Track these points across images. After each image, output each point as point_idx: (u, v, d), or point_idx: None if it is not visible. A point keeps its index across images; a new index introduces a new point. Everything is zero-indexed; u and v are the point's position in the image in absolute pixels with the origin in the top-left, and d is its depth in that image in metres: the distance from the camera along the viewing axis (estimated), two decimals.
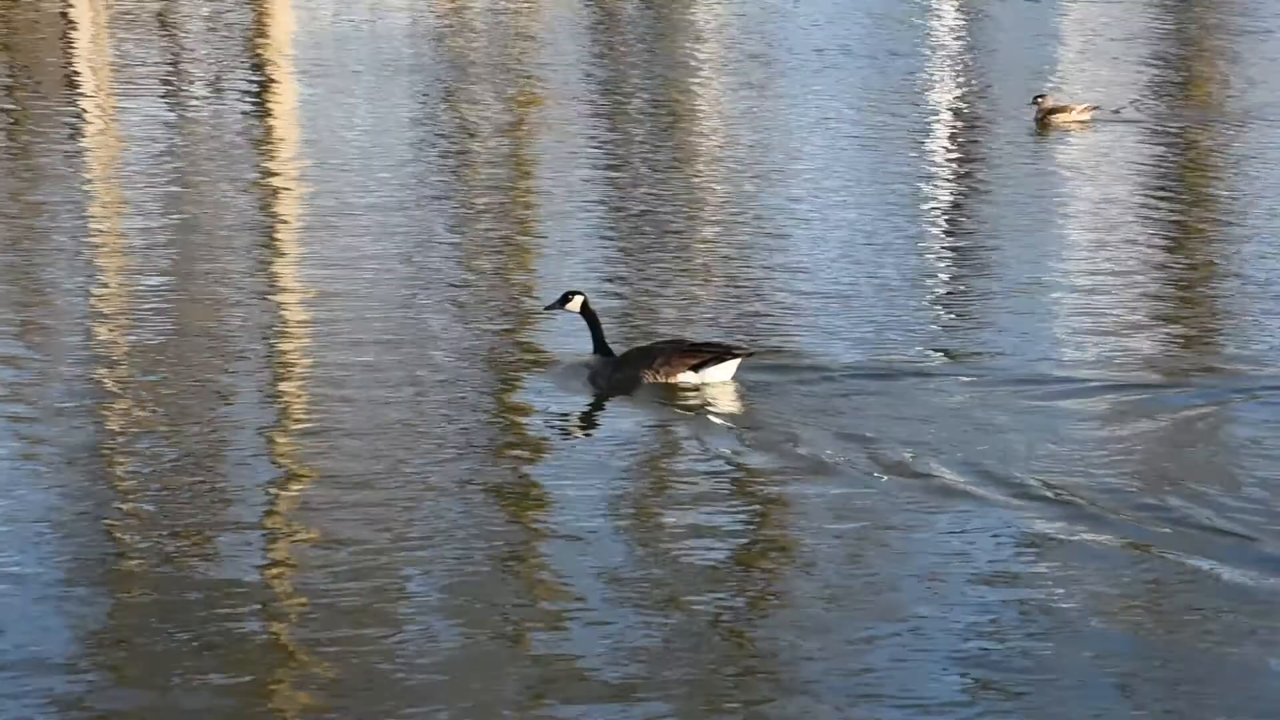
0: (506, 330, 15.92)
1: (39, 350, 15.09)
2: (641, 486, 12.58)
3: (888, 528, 11.81)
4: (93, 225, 19.42)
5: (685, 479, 12.65)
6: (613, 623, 10.36)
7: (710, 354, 14.33)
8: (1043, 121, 24.86)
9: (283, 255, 18.56)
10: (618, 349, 14.76)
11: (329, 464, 12.65)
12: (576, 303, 14.62)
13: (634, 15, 38.85)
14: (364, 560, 11.04)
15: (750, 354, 14.59)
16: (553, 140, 24.99)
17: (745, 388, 14.40)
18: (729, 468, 12.90)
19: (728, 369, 14.37)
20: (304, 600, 10.58)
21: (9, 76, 28.49)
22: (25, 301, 16.50)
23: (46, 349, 15.13)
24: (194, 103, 26.71)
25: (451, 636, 10.20)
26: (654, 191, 21.71)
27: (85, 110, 26.03)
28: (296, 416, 13.65)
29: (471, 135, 25.27)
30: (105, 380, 14.32)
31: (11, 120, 25.00)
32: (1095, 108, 25.38)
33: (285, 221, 19.94)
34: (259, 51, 31.55)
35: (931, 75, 30.16)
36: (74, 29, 32.97)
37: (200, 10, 35.29)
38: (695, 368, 14.27)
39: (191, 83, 28.22)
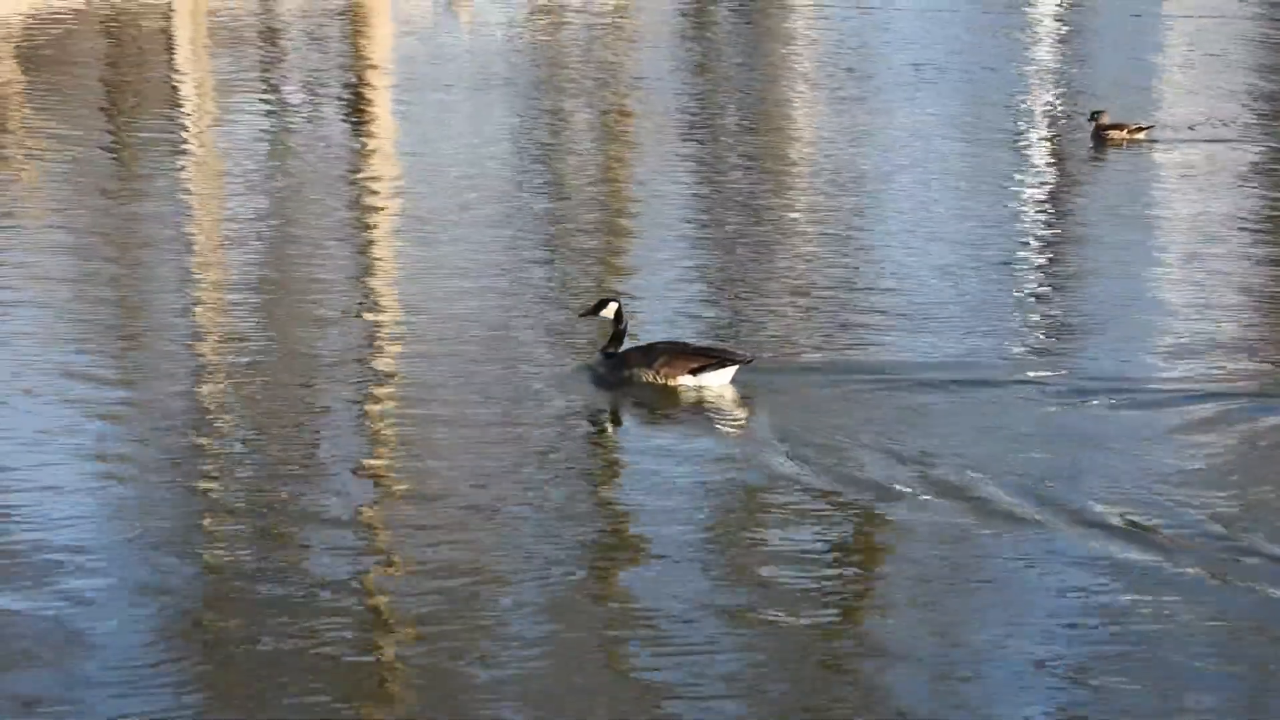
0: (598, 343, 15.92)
1: (138, 361, 15.26)
2: (720, 507, 12.45)
3: (975, 554, 11.66)
4: (191, 239, 19.63)
5: (771, 498, 12.57)
6: (703, 647, 10.27)
7: (710, 359, 14.56)
8: (1098, 138, 24.80)
9: (377, 267, 18.68)
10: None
11: (421, 478, 12.71)
12: (611, 309, 14.94)
13: (729, 30, 38.88)
14: (452, 576, 11.06)
15: (749, 361, 14.75)
16: (646, 154, 25.03)
17: (842, 399, 14.35)
18: (810, 487, 12.78)
19: (725, 375, 14.57)
20: (391, 615, 10.62)
21: (111, 92, 28.87)
22: (125, 313, 16.69)
23: (145, 360, 15.29)
24: (292, 117, 26.96)
25: (542, 655, 10.19)
26: (747, 204, 21.69)
27: (185, 125, 26.32)
28: (389, 430, 13.72)
29: (566, 149, 25.35)
30: (202, 392, 14.46)
31: (113, 135, 25.32)
32: (1149, 126, 25.24)
33: (380, 234, 20.08)
34: (357, 66, 31.80)
35: (1025, 90, 29.93)
36: (174, 45, 33.37)
37: (299, 26, 35.62)
38: (694, 371, 14.51)
39: (290, 97, 28.49)
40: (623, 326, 14.95)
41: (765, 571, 11.38)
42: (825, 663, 10.27)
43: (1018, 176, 23.58)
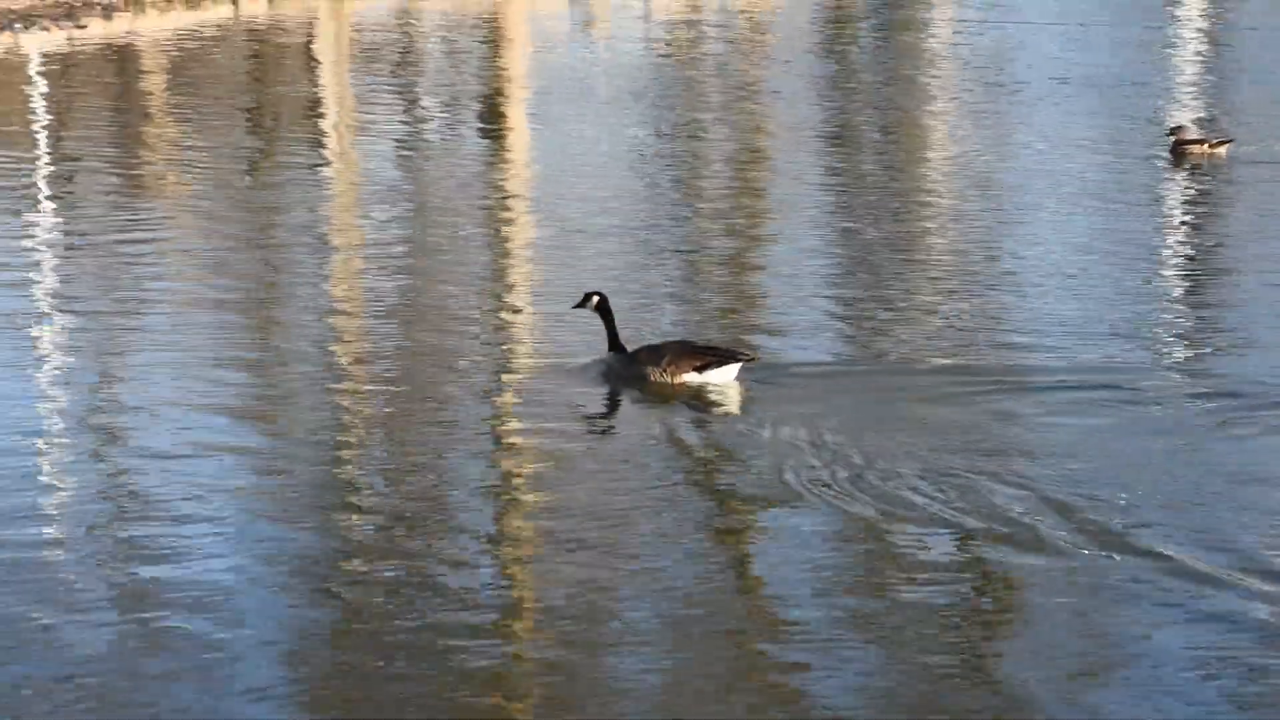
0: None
1: (278, 369, 15.44)
2: (854, 521, 12.30)
3: (1112, 589, 11.43)
4: (330, 252, 19.85)
5: (916, 510, 12.47)
6: (839, 659, 10.20)
7: (714, 357, 14.85)
8: (1177, 152, 24.52)
9: (510, 278, 18.80)
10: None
11: (553, 489, 12.74)
12: (593, 302, 15.30)
13: (867, 44, 38.76)
14: (580, 582, 11.08)
15: (752, 359, 14.97)
16: (781, 167, 25.03)
17: (996, 417, 14.26)
18: (947, 495, 12.68)
19: (730, 372, 14.84)
20: (521, 624, 10.66)
21: (254, 106, 29.33)
22: (265, 322, 16.91)
23: (285, 366, 15.47)
24: (429, 132, 27.23)
25: (670, 668, 10.18)
26: (882, 215, 21.62)
27: (325, 139, 26.69)
28: (519, 438, 13.77)
29: (701, 162, 25.40)
30: (340, 401, 14.60)
31: (255, 149, 25.72)
32: (1229, 141, 24.86)
33: (514, 245, 20.21)
34: (493, 81, 32.07)
35: (1163, 104, 29.56)
36: (316, 60, 33.85)
37: (437, 42, 36.00)
38: (699, 369, 14.79)
39: (427, 112, 28.78)
40: (609, 317, 15.21)
41: (904, 588, 11.28)
42: (974, 677, 10.17)
43: (1154, 190, 23.30)
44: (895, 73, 34.56)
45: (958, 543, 11.75)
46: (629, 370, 15.01)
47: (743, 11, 42.33)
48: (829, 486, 12.55)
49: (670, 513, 12.19)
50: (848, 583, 11.23)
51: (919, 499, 12.35)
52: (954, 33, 39.29)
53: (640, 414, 14.38)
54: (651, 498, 12.47)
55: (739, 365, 14.89)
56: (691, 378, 14.80)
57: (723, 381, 14.84)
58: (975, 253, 19.88)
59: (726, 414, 14.22)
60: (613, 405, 14.58)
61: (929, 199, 23.04)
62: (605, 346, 15.23)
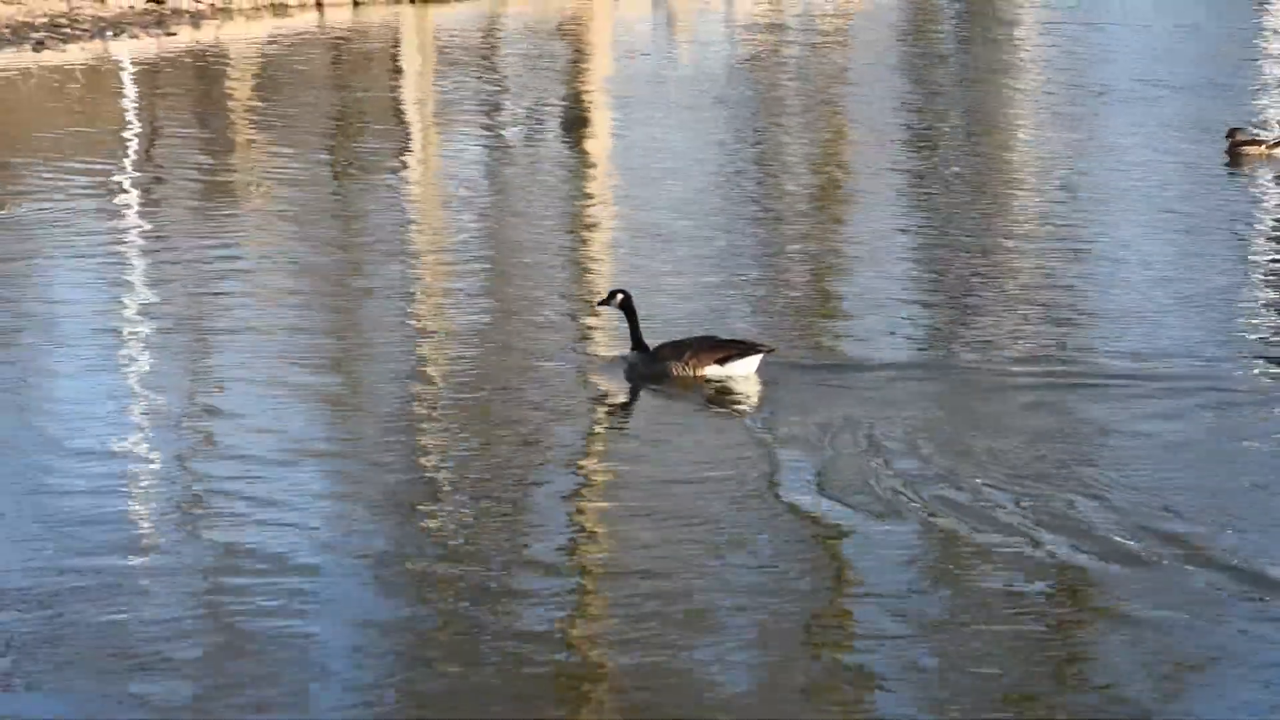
0: (812, 356, 15.90)
1: (359, 370, 15.57)
2: (937, 526, 12.22)
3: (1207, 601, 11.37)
4: (413, 257, 19.98)
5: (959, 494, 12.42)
6: (927, 683, 10.13)
7: (735, 349, 14.99)
8: (1233, 154, 24.29)
9: (592, 279, 18.88)
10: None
11: (636, 487, 12.77)
12: (618, 299, 15.48)
13: (951, 43, 38.61)
14: (666, 590, 11.11)
15: (772, 350, 15.16)
16: (864, 167, 24.99)
17: (1085, 421, 14.19)
18: (1041, 506, 12.63)
19: (751, 364, 15.02)
20: (605, 635, 10.70)
21: (340, 112, 29.57)
22: (348, 324, 17.04)
23: (369, 368, 15.59)
24: (511, 136, 27.36)
25: (756, 673, 10.18)
26: (967, 216, 21.56)
27: (408, 143, 26.88)
28: (601, 442, 13.81)
29: (782, 164, 25.40)
30: (421, 404, 14.69)
31: (341, 154, 25.92)
32: None
33: (594, 247, 20.29)
34: (576, 86, 32.18)
35: (1252, 105, 29.27)
36: (400, 65, 34.09)
37: (520, 49, 36.16)
38: (721, 361, 14.97)
39: (509, 116, 28.92)
40: (633, 314, 15.38)
41: (960, 569, 11.24)
42: (1036, 676, 10.12)
43: (1227, 192, 23.09)
44: (978, 74, 34.40)
45: (1041, 547, 11.61)
46: (651, 367, 15.20)
47: (825, 14, 42.26)
48: (912, 489, 12.50)
49: (754, 515, 12.19)
50: (929, 587, 11.16)
51: (1002, 499, 12.29)
52: (1039, 33, 39.05)
53: (714, 415, 14.37)
54: (735, 499, 12.48)
55: (760, 357, 15.08)
56: (714, 370, 14.99)
57: (744, 374, 15.02)
58: (1058, 253, 19.78)
59: (806, 414, 14.19)
60: (683, 407, 14.55)
61: (1011, 200, 22.93)
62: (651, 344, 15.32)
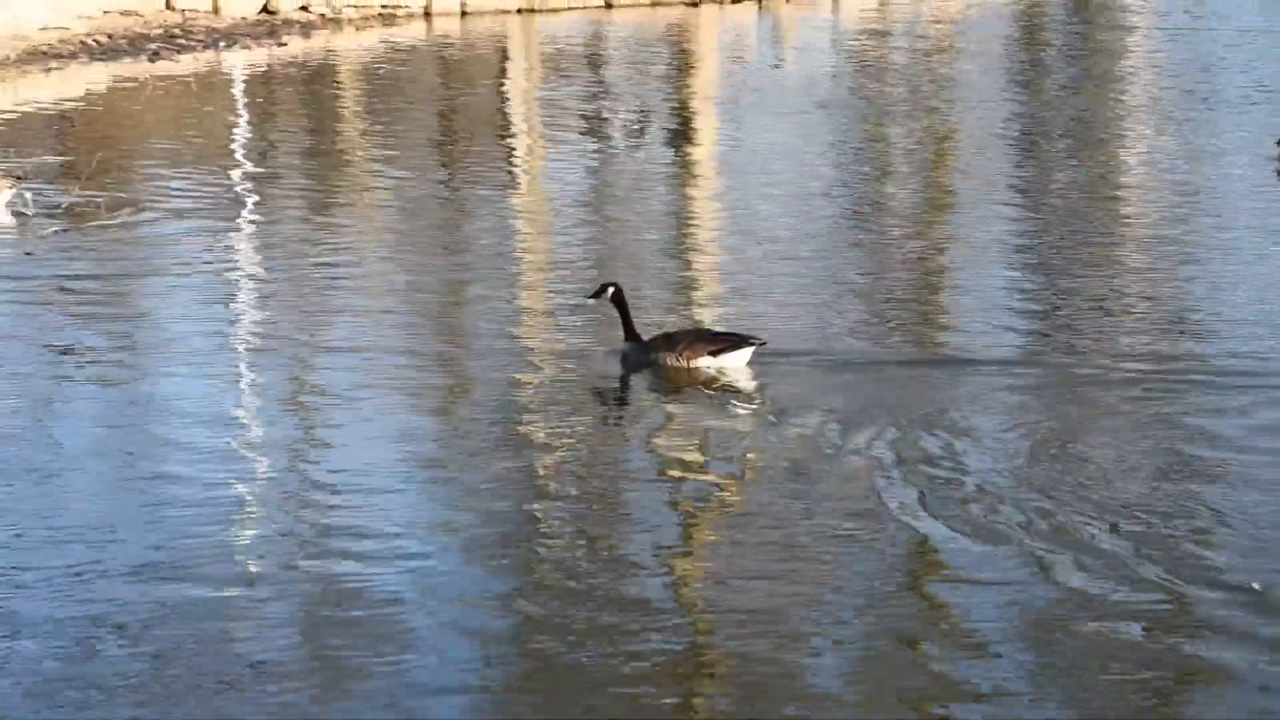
0: (918, 362, 15.85)
1: (462, 371, 15.66)
2: (1043, 542, 12.17)
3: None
4: (519, 263, 20.11)
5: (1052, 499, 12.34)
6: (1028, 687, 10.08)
7: (728, 342, 15.19)
8: None
9: (697, 284, 18.93)
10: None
11: (734, 495, 12.79)
12: (609, 293, 15.59)
13: (1061, 48, 38.32)
14: (765, 595, 11.11)
15: (764, 343, 15.25)
16: (969, 172, 24.89)
17: (1192, 430, 14.07)
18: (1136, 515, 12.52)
19: (743, 356, 15.20)
20: (703, 623, 10.73)
21: (447, 120, 29.82)
22: (455, 331, 17.15)
23: (470, 369, 15.69)
24: (617, 141, 27.46)
25: (852, 666, 10.19)
26: (1071, 219, 21.44)
27: (516, 149, 27.08)
28: (700, 446, 13.81)
29: (888, 171, 25.34)
30: (521, 407, 14.78)
31: (448, 161, 26.14)
32: None
33: (700, 254, 20.33)
34: (682, 93, 32.24)
35: None
36: (507, 75, 34.31)
37: (626, 56, 36.28)
38: (714, 353, 15.17)
39: (616, 123, 29.02)
40: (624, 306, 15.54)
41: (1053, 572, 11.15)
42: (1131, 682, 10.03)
43: None
44: (1087, 79, 34.12)
45: (1148, 567, 11.33)
46: (644, 357, 15.38)
47: (932, 20, 42.09)
48: (1019, 506, 12.27)
49: (856, 520, 12.14)
50: (1028, 602, 11.03)
51: (1117, 520, 12.14)
52: (1150, 38, 38.68)
53: (811, 418, 14.33)
54: (838, 501, 12.46)
55: (752, 349, 15.26)
56: (706, 362, 15.18)
57: (736, 366, 15.20)
58: (1165, 257, 19.63)
59: (909, 414, 14.15)
60: (766, 409, 14.50)
61: (1118, 204, 22.76)
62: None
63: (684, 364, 15.20)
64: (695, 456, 13.46)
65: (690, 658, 10.26)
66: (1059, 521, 11.89)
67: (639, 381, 15.24)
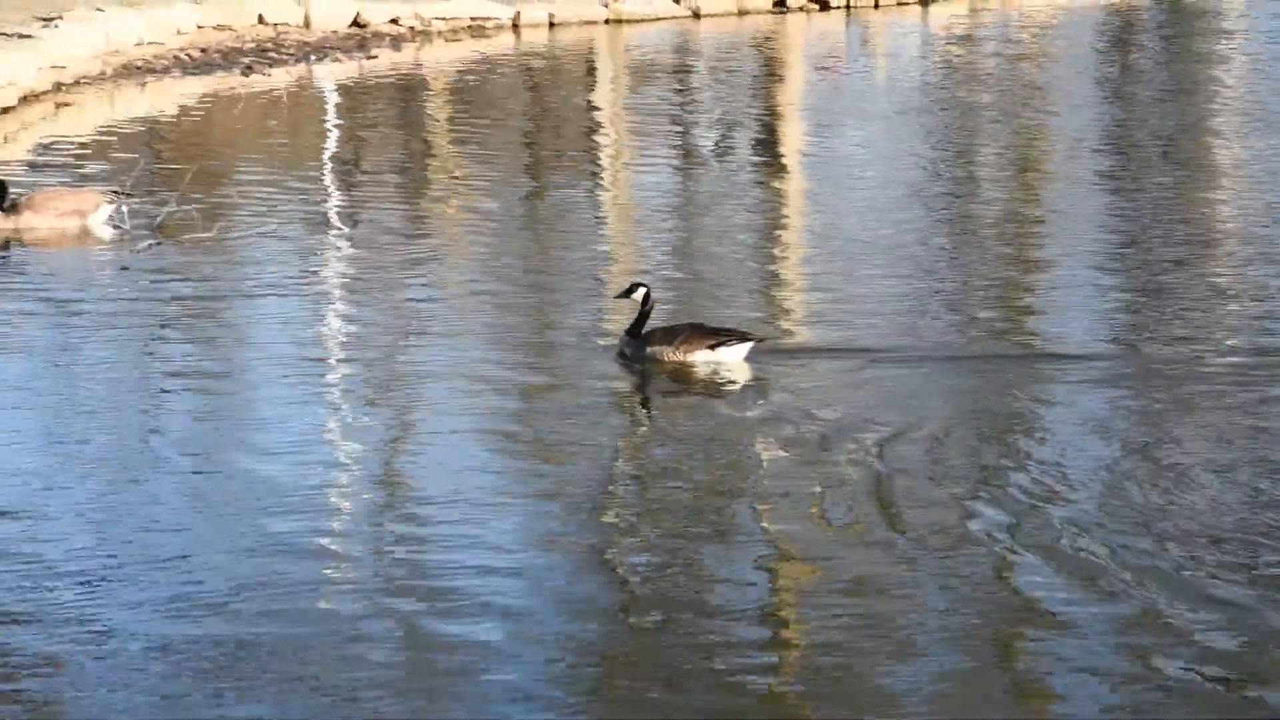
0: (1011, 372, 15.77)
1: (556, 385, 15.70)
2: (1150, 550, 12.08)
3: None
4: (604, 275, 20.17)
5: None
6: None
7: (727, 336, 15.51)
8: None
9: (784, 292, 18.91)
10: None
11: (834, 501, 12.76)
12: (640, 293, 15.89)
13: (1153, 54, 37.98)
14: (860, 606, 11.09)
15: (763, 339, 15.59)
16: (1059, 178, 24.78)
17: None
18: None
19: (741, 351, 15.46)
20: (793, 636, 10.71)
21: (534, 130, 29.95)
22: (543, 344, 17.16)
23: (562, 387, 15.74)
24: (705, 149, 27.48)
25: (950, 681, 10.13)
26: (1161, 224, 21.31)
27: (602, 160, 27.15)
28: (794, 455, 13.79)
29: (977, 176, 25.23)
30: (612, 410, 14.83)
31: (536, 171, 26.25)
32: None
33: (787, 260, 20.32)
34: (769, 100, 32.23)
35: None
36: (594, 85, 34.41)
37: (715, 65, 36.31)
38: (712, 347, 15.45)
39: (704, 130, 29.05)
40: (648, 308, 15.85)
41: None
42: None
43: None
44: (1180, 84, 33.82)
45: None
46: (641, 351, 15.59)
47: (1023, 25, 41.85)
48: (1115, 521, 12.12)
49: (953, 530, 12.10)
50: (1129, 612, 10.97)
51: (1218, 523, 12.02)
52: (1244, 41, 38.27)
53: (920, 423, 14.27)
54: (939, 511, 12.41)
55: (750, 345, 15.45)
56: (704, 356, 15.42)
57: (734, 361, 15.43)
58: (1254, 261, 19.46)
59: (1007, 413, 14.08)
60: (866, 414, 14.47)
61: (1212, 207, 22.59)
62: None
63: (682, 357, 15.50)
64: (790, 464, 13.43)
65: (790, 670, 10.26)
66: (1160, 560, 11.40)
67: (744, 390, 15.17)
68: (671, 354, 15.49)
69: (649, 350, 15.59)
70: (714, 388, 15.31)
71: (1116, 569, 11.13)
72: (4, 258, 20.23)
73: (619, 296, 16.28)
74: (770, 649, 10.43)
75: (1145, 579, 11.00)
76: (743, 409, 14.78)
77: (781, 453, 13.64)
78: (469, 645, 10.38)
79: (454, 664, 10.18)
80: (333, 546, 11.84)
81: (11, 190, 21.30)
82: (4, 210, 20.88)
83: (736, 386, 15.28)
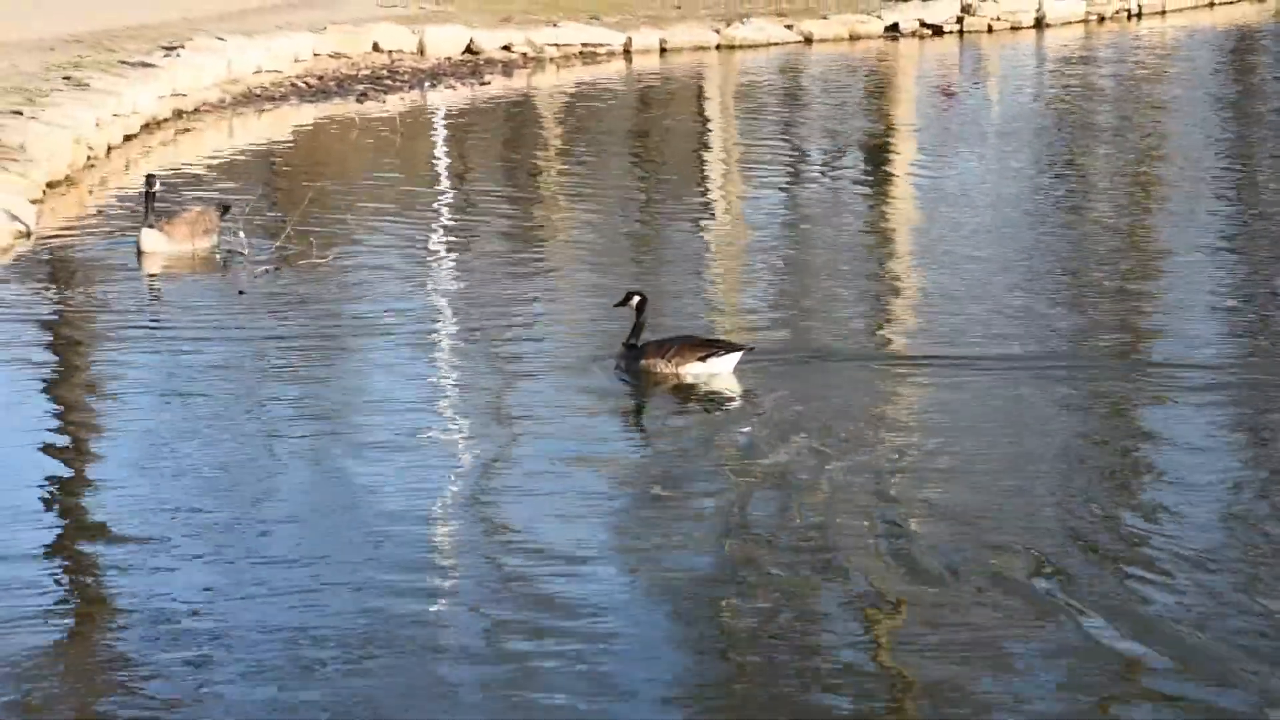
0: (1127, 384, 15.69)
1: (663, 406, 15.77)
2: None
3: None
4: (718, 293, 20.20)
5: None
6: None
7: (717, 348, 15.78)
8: None
9: (892, 302, 18.90)
10: None
11: (934, 517, 12.74)
12: (634, 302, 16.32)
13: (1270, 83, 37.47)
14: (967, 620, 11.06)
15: (752, 349, 15.89)
16: (1172, 199, 24.56)
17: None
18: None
19: (731, 361, 15.74)
20: (907, 653, 10.71)
21: (645, 154, 30.08)
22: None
23: (664, 406, 15.81)
24: (814, 173, 27.46)
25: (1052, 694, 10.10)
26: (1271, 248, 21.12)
27: (712, 179, 27.23)
28: (900, 472, 13.78)
29: (1090, 197, 25.07)
30: (719, 443, 14.87)
31: (646, 194, 26.34)
32: None
33: (896, 272, 20.30)
34: (881, 124, 32.15)
35: None
36: (705, 110, 34.50)
37: (827, 89, 36.27)
38: (703, 358, 15.72)
39: (813, 155, 29.04)
40: (643, 319, 16.21)
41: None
42: None
43: None
44: None
45: None
46: (635, 364, 15.86)
47: (1139, 45, 41.49)
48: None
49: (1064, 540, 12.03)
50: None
51: None
52: None
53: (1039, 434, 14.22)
54: (1056, 521, 12.36)
55: (740, 355, 15.74)
56: (695, 367, 15.67)
57: (724, 371, 15.71)
58: None
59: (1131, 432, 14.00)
60: (989, 431, 14.43)
61: None
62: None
63: (674, 369, 15.74)
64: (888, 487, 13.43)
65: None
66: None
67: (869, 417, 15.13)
68: (664, 367, 15.80)
69: (642, 364, 15.93)
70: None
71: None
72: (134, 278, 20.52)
73: (616, 305, 16.61)
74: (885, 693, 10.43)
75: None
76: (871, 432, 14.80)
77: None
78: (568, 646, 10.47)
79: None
80: (442, 584, 11.86)
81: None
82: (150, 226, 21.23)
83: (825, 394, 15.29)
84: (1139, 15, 45.71)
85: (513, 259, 21.61)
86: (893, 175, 27.00)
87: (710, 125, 32.58)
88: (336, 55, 36.62)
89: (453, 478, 13.75)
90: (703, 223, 24.02)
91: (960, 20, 42.98)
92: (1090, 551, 11.91)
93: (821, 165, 28.00)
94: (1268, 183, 25.75)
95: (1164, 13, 46.35)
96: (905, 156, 28.33)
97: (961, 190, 25.11)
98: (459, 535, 12.62)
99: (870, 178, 26.94)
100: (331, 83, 35.15)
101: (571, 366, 16.55)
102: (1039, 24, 43.91)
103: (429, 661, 10.60)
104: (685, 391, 15.62)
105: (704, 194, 26.28)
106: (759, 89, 36.13)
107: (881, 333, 17.89)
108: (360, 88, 34.94)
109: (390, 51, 37.32)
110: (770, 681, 10.25)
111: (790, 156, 28.79)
